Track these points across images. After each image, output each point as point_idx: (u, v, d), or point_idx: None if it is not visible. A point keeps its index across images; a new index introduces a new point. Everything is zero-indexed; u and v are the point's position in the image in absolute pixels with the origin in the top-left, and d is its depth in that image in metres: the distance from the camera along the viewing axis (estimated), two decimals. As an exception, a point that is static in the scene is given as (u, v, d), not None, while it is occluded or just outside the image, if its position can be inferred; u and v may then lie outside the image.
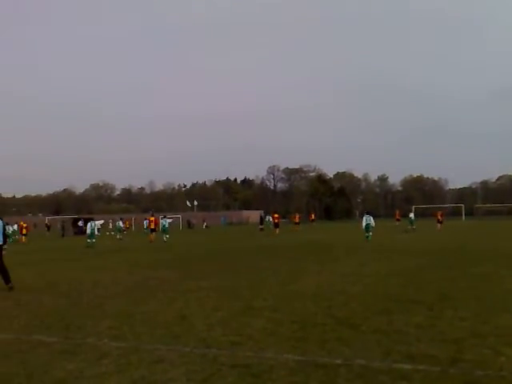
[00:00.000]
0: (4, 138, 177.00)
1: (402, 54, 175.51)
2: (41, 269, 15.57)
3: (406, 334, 5.95)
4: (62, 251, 24.97)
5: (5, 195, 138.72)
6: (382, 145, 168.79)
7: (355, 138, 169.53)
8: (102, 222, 57.35)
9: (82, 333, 6.48)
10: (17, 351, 5.65)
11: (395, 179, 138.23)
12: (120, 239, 36.64)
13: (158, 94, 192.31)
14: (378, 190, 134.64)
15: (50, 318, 7.48)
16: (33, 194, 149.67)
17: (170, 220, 36.21)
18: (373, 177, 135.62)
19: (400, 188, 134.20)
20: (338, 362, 4.93)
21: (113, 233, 50.77)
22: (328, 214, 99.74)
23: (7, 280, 10.91)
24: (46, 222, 64.57)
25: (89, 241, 28.61)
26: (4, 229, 11.40)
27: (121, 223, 40.67)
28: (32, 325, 7.09)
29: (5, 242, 11.40)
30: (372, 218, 27.74)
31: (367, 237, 26.56)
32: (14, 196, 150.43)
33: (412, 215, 41.49)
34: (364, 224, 27.39)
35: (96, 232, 30.14)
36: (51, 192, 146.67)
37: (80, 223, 50.23)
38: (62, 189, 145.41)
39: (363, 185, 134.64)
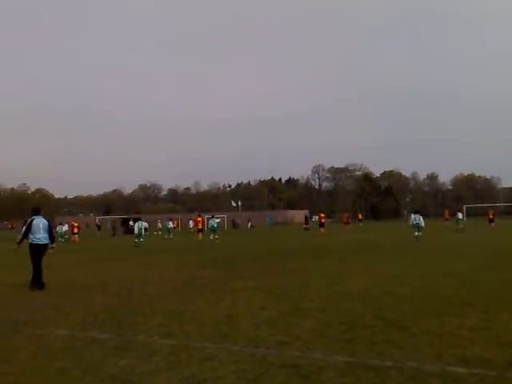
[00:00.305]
0: (57, 141, 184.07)
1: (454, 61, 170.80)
2: (92, 267, 16.06)
3: (459, 337, 5.77)
4: (112, 250, 25.67)
5: (57, 196, 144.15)
6: (431, 143, 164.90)
7: (403, 136, 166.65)
8: (146, 224, 58.46)
9: (132, 330, 6.64)
10: (72, 347, 5.85)
11: (445, 178, 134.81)
12: (170, 239, 37.19)
13: (203, 96, 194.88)
14: (427, 188, 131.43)
15: (102, 316, 7.70)
16: (84, 195, 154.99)
17: (218, 220, 36.55)
18: (422, 175, 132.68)
19: (450, 187, 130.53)
20: (389, 364, 4.83)
21: (160, 232, 51.83)
22: (374, 213, 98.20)
23: (38, 279, 11.07)
24: (97, 221, 66.52)
25: (136, 240, 29.24)
26: (50, 228, 11.62)
27: (170, 223, 41.32)
28: (85, 322, 7.31)
29: (52, 241, 11.65)
30: (421, 218, 27.15)
31: (417, 236, 25.97)
32: (66, 197, 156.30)
33: (460, 215, 40.32)
34: (413, 223, 26.87)
35: (143, 232, 30.74)
36: (101, 193, 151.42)
37: (131, 223, 51.70)
38: (111, 190, 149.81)
39: (411, 184, 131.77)
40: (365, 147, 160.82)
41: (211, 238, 32.27)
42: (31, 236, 11.26)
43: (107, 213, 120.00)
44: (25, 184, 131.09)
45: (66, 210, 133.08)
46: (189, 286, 10.79)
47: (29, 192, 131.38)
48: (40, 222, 11.38)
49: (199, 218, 35.07)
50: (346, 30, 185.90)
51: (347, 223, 48.31)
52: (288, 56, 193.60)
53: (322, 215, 41.26)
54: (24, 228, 11.48)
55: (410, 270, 12.52)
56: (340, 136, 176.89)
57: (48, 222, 11.66)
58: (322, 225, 38.48)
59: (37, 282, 11.04)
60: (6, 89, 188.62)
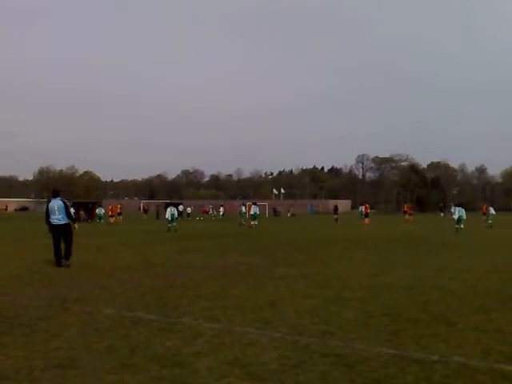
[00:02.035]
0: (106, 125, 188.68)
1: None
2: (138, 250, 16.47)
3: (508, 334, 5.61)
4: (157, 234, 26.21)
5: (103, 179, 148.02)
6: (480, 134, 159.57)
7: (451, 127, 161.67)
8: (181, 207, 59.17)
9: (177, 312, 6.78)
10: (120, 326, 6.03)
11: (495, 171, 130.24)
12: (243, 224, 36.45)
13: (247, 84, 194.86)
14: (475, 181, 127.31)
15: (148, 297, 7.91)
16: (129, 179, 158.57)
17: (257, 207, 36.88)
18: (470, 168, 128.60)
19: (500, 180, 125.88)
20: (434, 358, 4.76)
21: (202, 218, 52.66)
22: (420, 205, 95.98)
23: (57, 258, 11.80)
24: (144, 206, 68.03)
25: (169, 225, 29.42)
26: (66, 209, 12.19)
27: (243, 208, 41.50)
28: (132, 302, 7.53)
29: (72, 220, 12.36)
30: (464, 211, 27.11)
31: (457, 229, 26.05)
32: (112, 180, 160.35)
33: (492, 209, 39.05)
34: (456, 216, 26.78)
35: (176, 216, 30.83)
36: (146, 177, 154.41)
37: (180, 207, 53.31)
38: (155, 174, 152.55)
39: (459, 176, 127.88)
40: (411, 137, 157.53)
41: (253, 223, 32.91)
42: (50, 217, 12.10)
43: (151, 197, 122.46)
44: (73, 166, 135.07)
45: (111, 193, 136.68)
46: (232, 272, 10.91)
47: (77, 174, 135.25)
48: (55, 204, 12.14)
49: (250, 205, 35.81)
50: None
51: (411, 214, 46.45)
52: (332, 49, 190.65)
53: (367, 205, 40.62)
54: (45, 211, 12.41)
55: (456, 264, 12.23)
56: (385, 126, 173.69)
57: (64, 203, 12.28)
58: (366, 215, 37.94)
59: (57, 260, 11.75)
60: (58, 73, 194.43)
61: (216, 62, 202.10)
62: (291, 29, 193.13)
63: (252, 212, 34.45)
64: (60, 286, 9.02)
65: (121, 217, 43.81)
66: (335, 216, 45.93)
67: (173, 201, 70.06)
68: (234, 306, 7.15)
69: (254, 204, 35.77)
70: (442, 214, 61.53)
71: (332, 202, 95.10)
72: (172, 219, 29.72)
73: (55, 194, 12.50)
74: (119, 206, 45.57)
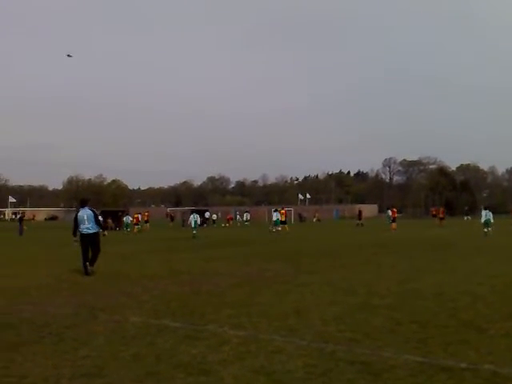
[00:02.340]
0: (131, 135, 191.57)
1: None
2: (164, 257, 16.60)
3: (542, 342, 5.44)
4: (182, 241, 26.37)
5: (131, 187, 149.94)
6: (510, 136, 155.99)
7: (481, 128, 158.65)
8: (206, 215, 59.38)
9: (203, 320, 6.79)
10: (146, 334, 6.07)
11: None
12: (274, 231, 36.30)
13: (272, 89, 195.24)
14: (506, 183, 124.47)
15: (174, 304, 7.95)
16: (156, 187, 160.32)
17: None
18: (500, 169, 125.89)
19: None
20: (463, 365, 4.64)
21: (227, 224, 52.79)
22: (449, 209, 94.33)
23: (89, 261, 11.96)
24: (171, 213, 68.63)
25: (194, 232, 29.68)
26: (95, 218, 12.36)
27: (275, 215, 41.55)
28: (158, 309, 7.58)
29: (102, 229, 12.79)
30: (491, 214, 27.01)
31: (486, 233, 25.75)
32: (139, 188, 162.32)
33: None
34: (483, 219, 26.65)
35: (199, 223, 30.97)
36: (172, 185, 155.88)
37: (207, 214, 53.81)
38: (181, 181, 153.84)
39: (489, 178, 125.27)
40: (439, 139, 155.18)
41: (273, 230, 33.07)
42: (80, 226, 12.27)
43: (177, 204, 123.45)
44: (101, 175, 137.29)
45: (139, 200, 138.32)
46: (257, 279, 10.89)
47: (105, 183, 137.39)
48: (84, 214, 12.30)
49: (283, 211, 35.91)
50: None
51: (442, 218, 44.64)
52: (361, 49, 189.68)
53: (395, 210, 40.20)
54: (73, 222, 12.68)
55: (486, 269, 11.95)
56: (412, 128, 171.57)
57: (93, 212, 12.46)
58: (394, 220, 37.48)
59: (86, 269, 11.88)
60: (88, 86, 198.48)
61: (240, 68, 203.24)
62: (306, 32, 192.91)
63: (274, 218, 34.82)
64: (88, 294, 9.15)
65: (148, 224, 44.27)
66: (358, 221, 45.33)
67: (198, 207, 70.64)
68: (260, 314, 7.13)
69: (275, 211, 36.02)
70: (468, 218, 60.02)
71: (358, 207, 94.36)
72: (195, 226, 29.93)
73: (84, 203, 12.67)
74: (146, 213, 46.12)
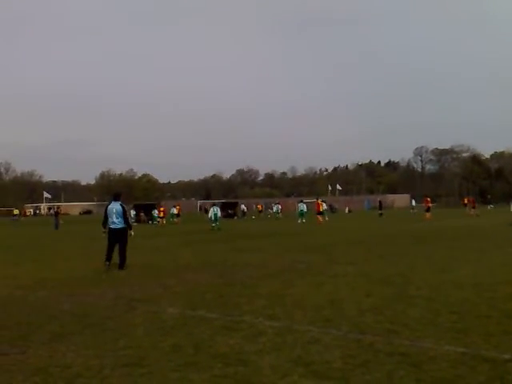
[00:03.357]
0: (161, 131, 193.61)
1: None
2: (197, 249, 16.75)
3: None
4: (214, 233, 26.54)
5: (161, 181, 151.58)
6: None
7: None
8: (242, 207, 59.59)
9: (238, 310, 6.84)
10: (183, 324, 6.15)
11: None
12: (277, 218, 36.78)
13: (296, 79, 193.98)
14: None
15: (209, 295, 8.02)
16: (186, 180, 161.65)
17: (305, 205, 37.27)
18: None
19: None
20: (507, 356, 4.54)
21: (254, 217, 52.99)
22: (484, 198, 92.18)
23: (108, 259, 11.79)
24: (201, 206, 69.21)
25: (213, 225, 29.57)
26: (124, 214, 12.02)
27: (279, 207, 41.78)
28: (194, 301, 7.65)
29: (129, 227, 12.20)
30: None
31: None
32: (169, 182, 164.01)
33: None
34: None
35: (219, 215, 30.88)
36: (202, 178, 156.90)
37: (242, 207, 54.69)
38: (211, 174, 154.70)
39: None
40: (472, 126, 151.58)
41: (299, 221, 32.98)
42: (108, 220, 12.03)
43: (207, 197, 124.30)
44: (132, 169, 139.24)
45: (169, 194, 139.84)
46: (290, 270, 10.88)
47: (136, 177, 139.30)
48: (114, 208, 11.98)
49: (320, 202, 35.92)
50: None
51: (473, 207, 43.73)
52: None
53: (428, 199, 39.46)
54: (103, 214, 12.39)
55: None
56: (444, 115, 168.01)
57: (123, 207, 12.10)
58: (428, 209, 36.81)
59: (108, 258, 11.76)
60: (120, 87, 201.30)
61: (267, 60, 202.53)
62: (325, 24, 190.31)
63: (299, 209, 34.90)
64: (125, 286, 9.31)
65: (179, 218, 44.58)
66: (380, 211, 45.11)
67: (229, 200, 70.97)
68: (294, 305, 7.12)
69: (301, 202, 35.96)
70: (491, 206, 58.03)
71: (390, 197, 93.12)
72: (215, 219, 29.90)
73: (116, 197, 12.37)
74: (178, 207, 46.52)
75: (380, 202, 49.87)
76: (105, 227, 12.27)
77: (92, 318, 6.65)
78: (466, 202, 46.53)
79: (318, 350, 4.93)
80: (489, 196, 69.29)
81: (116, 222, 11.94)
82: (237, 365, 4.57)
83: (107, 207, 12.25)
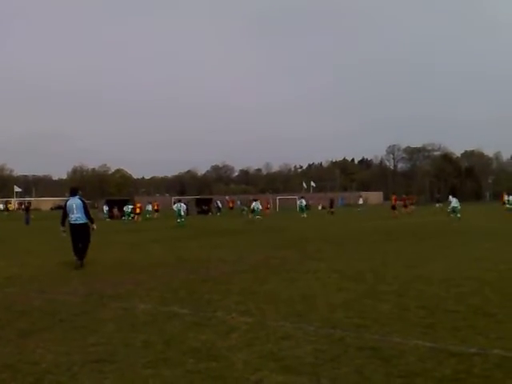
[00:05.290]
0: (135, 124, 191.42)
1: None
2: (170, 245, 16.66)
3: (551, 327, 5.44)
4: (187, 230, 26.42)
5: (135, 176, 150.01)
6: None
7: (486, 114, 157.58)
8: (219, 203, 59.33)
9: (211, 306, 6.83)
10: (154, 321, 6.12)
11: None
12: (257, 218, 36.77)
13: (274, 80, 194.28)
14: (511, 169, 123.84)
15: (181, 291, 7.99)
16: (160, 176, 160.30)
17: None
18: (505, 155, 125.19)
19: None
20: (473, 350, 4.65)
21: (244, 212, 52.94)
22: (454, 195, 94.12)
23: (80, 256, 11.40)
24: (176, 201, 68.73)
25: (179, 221, 29.84)
26: (85, 208, 11.71)
27: (259, 204, 41.79)
28: (166, 297, 7.61)
29: (91, 221, 11.81)
30: (456, 201, 30.68)
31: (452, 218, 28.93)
32: (143, 177, 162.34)
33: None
34: (451, 206, 30.49)
35: (182, 212, 30.90)
36: (176, 173, 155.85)
37: (218, 203, 54.67)
38: (185, 170, 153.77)
39: (494, 164, 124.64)
40: (443, 126, 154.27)
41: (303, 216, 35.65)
42: (69, 216, 11.65)
43: (182, 193, 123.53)
44: (105, 165, 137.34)
45: (143, 190, 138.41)
46: (263, 266, 10.92)
47: (109, 173, 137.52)
48: (73, 203, 11.64)
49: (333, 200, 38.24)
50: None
51: (407, 205, 43.62)
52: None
53: (395, 197, 40.38)
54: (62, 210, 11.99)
55: (493, 255, 11.92)
56: (415, 114, 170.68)
57: (83, 202, 11.83)
58: (393, 207, 37.40)
59: (78, 258, 11.38)
60: (96, 80, 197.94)
61: (243, 60, 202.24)
62: (304, 25, 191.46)
63: (299, 205, 38.09)
64: (96, 282, 9.20)
65: (158, 213, 44.73)
66: (331, 210, 45.95)
67: (203, 196, 70.71)
68: (267, 300, 7.15)
69: (255, 200, 37.98)
70: (440, 205, 58.54)
71: (363, 195, 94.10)
72: (179, 214, 30.08)
73: (73, 193, 12.06)
74: (157, 203, 46.68)
75: (331, 200, 50.41)
76: (64, 225, 11.85)
77: (62, 314, 6.54)
78: (394, 201, 38.57)
79: (290, 345, 4.97)
80: (438, 195, 71.03)
81: (77, 217, 11.59)
82: (209, 360, 4.57)
83: (66, 203, 11.85)
